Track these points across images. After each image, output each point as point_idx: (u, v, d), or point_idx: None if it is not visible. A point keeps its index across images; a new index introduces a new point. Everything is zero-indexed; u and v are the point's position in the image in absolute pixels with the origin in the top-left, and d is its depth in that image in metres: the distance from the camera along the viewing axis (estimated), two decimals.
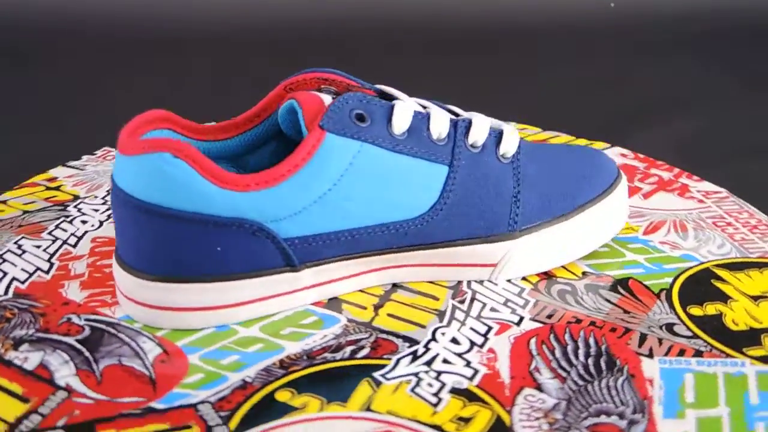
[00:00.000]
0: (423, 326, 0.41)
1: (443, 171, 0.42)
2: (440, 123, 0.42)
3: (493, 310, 0.42)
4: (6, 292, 0.43)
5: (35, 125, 0.68)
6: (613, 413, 0.34)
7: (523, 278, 0.45)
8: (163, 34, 1.00)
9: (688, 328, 0.40)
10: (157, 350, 0.38)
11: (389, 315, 0.41)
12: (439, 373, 0.37)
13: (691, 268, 0.46)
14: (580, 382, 0.36)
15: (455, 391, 0.36)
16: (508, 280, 0.44)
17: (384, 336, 0.40)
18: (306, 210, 0.39)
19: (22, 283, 0.44)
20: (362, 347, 0.39)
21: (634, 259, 0.47)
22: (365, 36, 1.04)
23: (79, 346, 0.38)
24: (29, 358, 0.38)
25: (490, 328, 0.40)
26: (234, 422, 0.34)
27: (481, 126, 0.43)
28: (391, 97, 0.43)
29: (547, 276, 0.45)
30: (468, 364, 0.38)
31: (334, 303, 0.42)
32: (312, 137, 0.39)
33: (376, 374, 0.37)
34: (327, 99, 0.41)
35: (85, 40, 0.96)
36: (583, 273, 0.45)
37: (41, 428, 0.33)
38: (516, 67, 0.99)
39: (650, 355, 0.38)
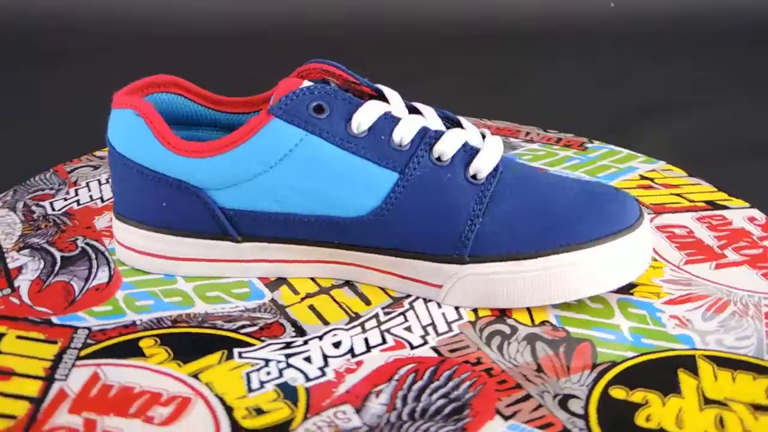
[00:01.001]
0: (327, 323, 0.41)
1: (392, 177, 0.41)
2: (405, 130, 0.41)
3: (406, 329, 0.40)
4: (61, 209, 0.52)
5: (35, 125, 0.76)
6: None
7: (474, 310, 0.42)
8: (164, 33, 1.07)
9: (584, 407, 0.35)
10: (105, 280, 0.44)
11: (309, 306, 0.42)
12: (288, 366, 0.37)
13: (674, 350, 0.39)
14: (404, 418, 0.34)
15: (282, 386, 0.36)
16: (456, 308, 0.42)
17: (283, 321, 0.41)
18: (239, 186, 0.41)
19: (78, 205, 0.53)
20: (254, 325, 0.40)
21: (617, 323, 0.41)
22: (366, 36, 1.06)
23: (59, 260, 0.46)
24: (18, 259, 0.46)
25: (383, 343, 0.39)
26: (87, 351, 0.38)
27: (451, 140, 0.41)
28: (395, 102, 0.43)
29: (501, 314, 0.41)
30: (323, 366, 0.37)
31: (275, 282, 0.44)
32: (256, 119, 0.41)
33: (237, 350, 0.38)
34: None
35: (85, 39, 1.05)
36: (542, 322, 0.41)
37: None
38: (516, 67, 0.99)
39: (509, 417, 0.34)
